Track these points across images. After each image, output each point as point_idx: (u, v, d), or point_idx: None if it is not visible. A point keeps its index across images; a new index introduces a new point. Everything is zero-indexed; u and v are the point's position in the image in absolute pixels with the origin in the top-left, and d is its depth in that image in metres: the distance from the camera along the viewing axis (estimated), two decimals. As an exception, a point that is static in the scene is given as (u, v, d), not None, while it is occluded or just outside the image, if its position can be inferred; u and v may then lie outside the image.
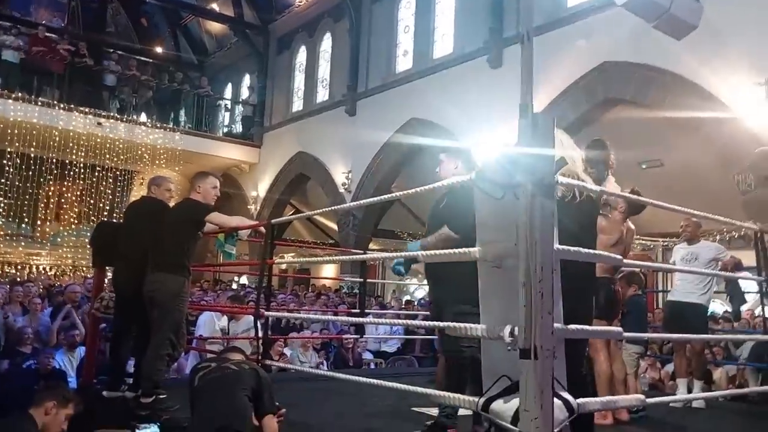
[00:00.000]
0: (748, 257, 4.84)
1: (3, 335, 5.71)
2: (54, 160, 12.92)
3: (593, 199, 2.56)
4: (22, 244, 13.45)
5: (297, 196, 15.36)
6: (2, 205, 12.85)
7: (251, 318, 4.68)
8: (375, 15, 13.04)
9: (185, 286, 3.94)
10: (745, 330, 7.05)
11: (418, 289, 14.69)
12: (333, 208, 4.36)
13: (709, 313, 5.53)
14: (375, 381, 3.06)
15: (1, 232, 13.02)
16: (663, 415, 4.40)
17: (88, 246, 4.89)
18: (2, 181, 12.80)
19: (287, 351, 6.95)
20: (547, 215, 1.81)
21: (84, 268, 12.76)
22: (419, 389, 2.73)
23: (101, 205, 13.63)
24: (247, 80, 17.47)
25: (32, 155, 12.65)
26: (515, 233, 1.84)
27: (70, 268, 13.46)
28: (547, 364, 1.70)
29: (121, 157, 13.43)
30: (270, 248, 4.21)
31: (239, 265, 8.39)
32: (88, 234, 4.89)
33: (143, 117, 14.21)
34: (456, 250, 2.56)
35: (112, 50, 15.42)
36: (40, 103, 12.30)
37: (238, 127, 16.69)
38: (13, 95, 12.06)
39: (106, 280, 4.90)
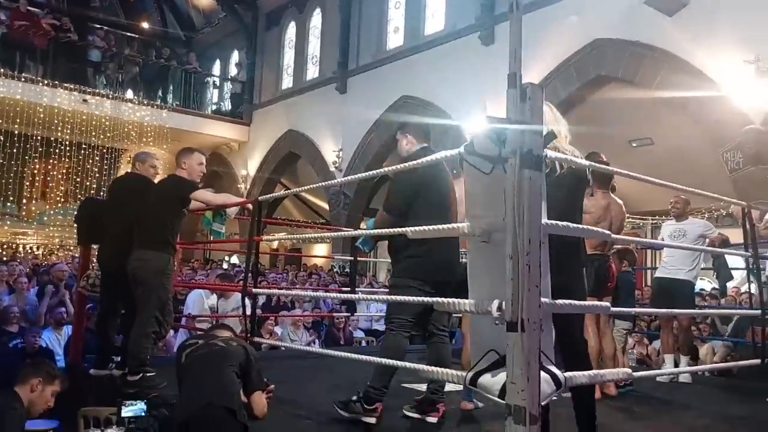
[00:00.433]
0: (736, 235, 4.87)
1: (-12, 314, 5.65)
2: (39, 138, 12.73)
3: (578, 172, 2.51)
4: (8, 223, 13.31)
5: (287, 174, 15.27)
6: (-13, 183, 12.71)
7: (240, 296, 4.66)
8: (365, -10, 12.87)
9: (170, 263, 3.91)
10: (732, 306, 7.13)
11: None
12: (323, 183, 4.31)
13: (696, 290, 5.59)
14: (365, 357, 3.06)
15: (-14, 211, 12.90)
16: (650, 390, 4.45)
17: (74, 224, 4.82)
18: (-14, 159, 12.65)
19: (278, 330, 6.95)
20: (535, 188, 1.78)
21: (71, 247, 12.66)
22: (408, 365, 2.73)
23: (88, 183, 13.48)
24: (235, 57, 17.22)
25: (16, 132, 12.44)
26: (503, 208, 1.82)
27: (57, 247, 13.36)
28: (534, 337, 1.69)
29: (108, 134, 13.25)
30: (258, 226, 4.18)
31: (227, 243, 8.34)
32: (75, 213, 4.81)
33: (130, 94, 14.01)
34: (443, 226, 2.55)
35: (98, 26, 15.12)
36: (23, 80, 12.07)
37: (227, 105, 16.51)
38: (-5, 71, 11.86)
39: (93, 259, 4.85)
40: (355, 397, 3.13)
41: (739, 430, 3.52)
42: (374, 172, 2.94)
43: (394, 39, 12.39)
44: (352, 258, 6.53)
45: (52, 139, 12.94)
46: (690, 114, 7.87)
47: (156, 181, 4.32)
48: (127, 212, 4.00)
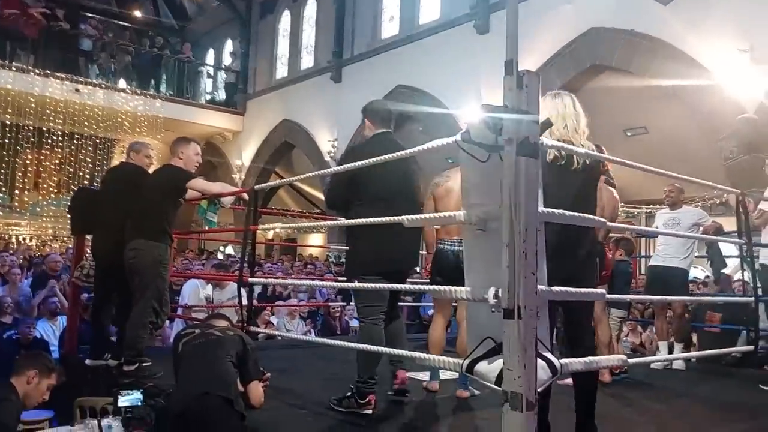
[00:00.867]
0: (729, 223, 4.90)
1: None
2: (31, 128, 12.62)
3: (593, 165, 2.59)
4: (0, 214, 13.22)
5: (282, 164, 15.22)
6: (-22, 174, 12.62)
7: (236, 286, 4.65)
8: (360, -21, 12.77)
9: (166, 252, 3.90)
10: (725, 294, 7.17)
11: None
12: (319, 173, 4.30)
13: (690, 278, 5.62)
14: (361, 346, 3.07)
15: (-22, 202, 12.81)
16: (644, 377, 4.49)
17: (68, 214, 4.79)
18: (-23, 149, 12.55)
19: (274, 319, 6.96)
20: (531, 176, 1.78)
21: (65, 238, 12.60)
22: (405, 353, 2.74)
23: (81, 173, 13.40)
24: (229, 46, 17.10)
25: (8, 122, 12.33)
26: (500, 196, 1.82)
27: (51, 238, 13.29)
28: (531, 324, 1.70)
29: (101, 124, 13.16)
30: (254, 215, 4.16)
31: (223, 232, 8.32)
32: (68, 203, 4.78)
33: (122, 83, 13.89)
34: (439, 215, 2.55)
35: (90, 15, 14.96)
36: (14, 69, 11.95)
37: (221, 94, 16.40)
38: (-15, 60, 11.75)
39: (87, 249, 4.83)
40: (349, 393, 3.16)
41: (732, 416, 3.55)
42: (370, 160, 2.92)
43: (389, 28, 12.33)
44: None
45: (44, 129, 12.84)
46: (684, 103, 7.88)
47: (150, 171, 4.30)
48: (122, 202, 3.99)
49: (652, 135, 9.53)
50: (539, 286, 1.79)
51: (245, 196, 4.36)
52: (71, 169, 13.44)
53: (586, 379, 2.59)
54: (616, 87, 8.48)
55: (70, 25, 13.36)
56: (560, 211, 2.15)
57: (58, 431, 3.18)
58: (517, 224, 1.73)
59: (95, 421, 3.06)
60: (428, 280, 3.85)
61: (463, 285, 2.01)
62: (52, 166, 13.63)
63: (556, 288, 1.98)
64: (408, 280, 3.96)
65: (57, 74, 12.37)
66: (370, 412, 3.11)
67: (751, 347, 4.33)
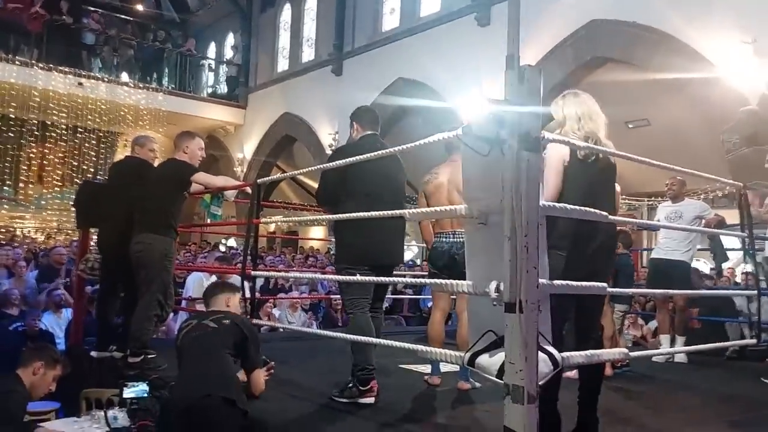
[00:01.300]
0: (732, 216, 4.89)
1: (-12, 297, 5.67)
2: (35, 122, 12.65)
3: (609, 162, 2.66)
4: (6, 207, 13.27)
5: (283, 157, 15.22)
6: (-18, 167, 12.66)
7: (238, 278, 4.66)
8: (361, -29, 12.72)
9: (172, 246, 3.93)
10: (727, 287, 7.18)
11: (407, 249, 14.76)
12: (321, 166, 4.31)
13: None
14: (363, 338, 3.09)
15: (-17, 195, 12.86)
16: (646, 370, 4.51)
17: (72, 208, 4.82)
18: (-19, 143, 12.59)
19: (276, 312, 7.00)
20: (533, 170, 1.79)
21: (70, 231, 12.64)
22: (407, 345, 2.76)
23: (84, 167, 13.43)
24: (230, 39, 17.06)
25: (11, 116, 12.35)
26: (501, 189, 1.83)
27: (55, 231, 13.34)
28: (532, 317, 1.72)
29: (104, 118, 13.17)
30: (256, 208, 4.18)
31: (226, 225, 8.35)
32: (73, 196, 4.81)
33: (125, 77, 13.89)
34: (440, 208, 2.57)
35: (93, 9, 14.94)
36: (17, 63, 11.96)
37: (223, 88, 16.39)
38: (-11, 54, 11.75)
39: (92, 243, 4.86)
40: (351, 384, 3.18)
41: (733, 409, 3.57)
42: (366, 155, 2.95)
43: (390, 20, 12.28)
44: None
45: (47, 122, 12.86)
46: (687, 95, 7.85)
47: (155, 164, 4.32)
48: (127, 196, 4.01)
49: (654, 127, 9.50)
50: (540, 280, 1.81)
51: (248, 189, 4.38)
52: (75, 163, 13.47)
53: (592, 373, 2.62)
54: (617, 79, 8.45)
55: (73, 19, 13.34)
56: (561, 204, 2.17)
57: (65, 422, 3.22)
58: (518, 218, 1.75)
59: (101, 413, 3.10)
60: (427, 274, 3.89)
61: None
62: (56, 160, 13.67)
63: (557, 282, 2.00)
64: (408, 273, 4.01)
65: (60, 68, 12.37)
66: (372, 400, 3.14)
67: (754, 341, 4.34)
